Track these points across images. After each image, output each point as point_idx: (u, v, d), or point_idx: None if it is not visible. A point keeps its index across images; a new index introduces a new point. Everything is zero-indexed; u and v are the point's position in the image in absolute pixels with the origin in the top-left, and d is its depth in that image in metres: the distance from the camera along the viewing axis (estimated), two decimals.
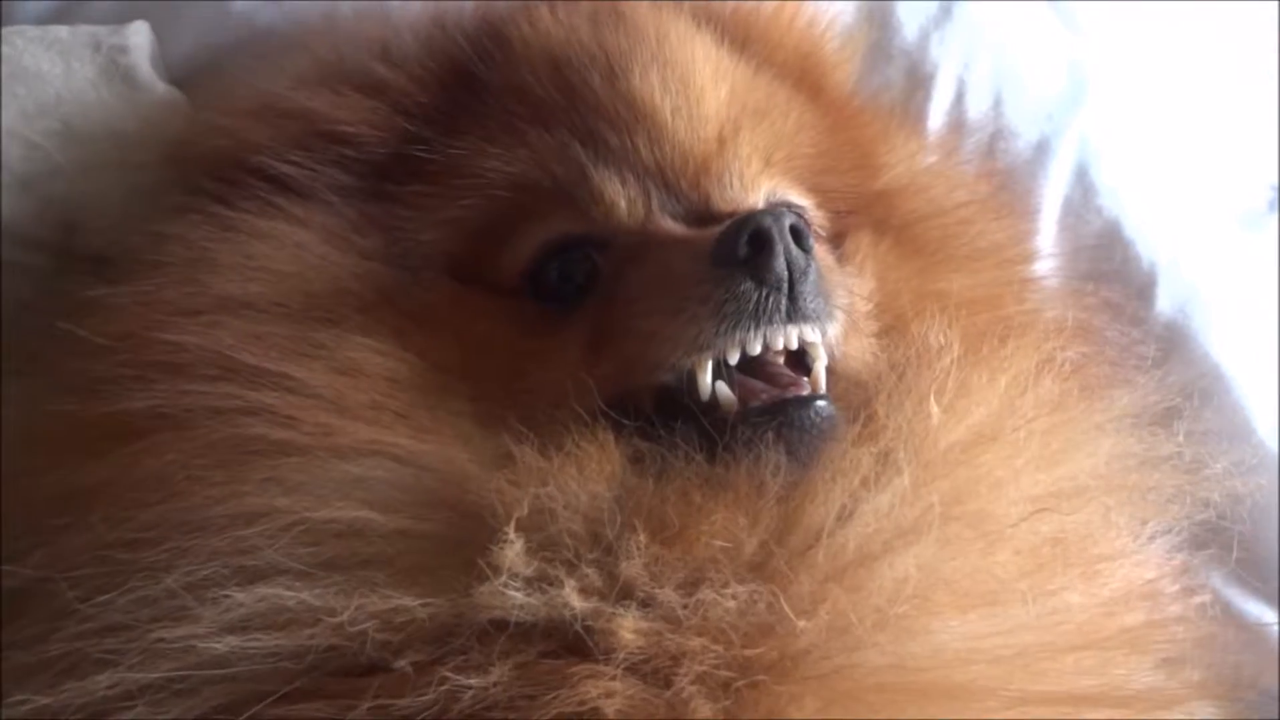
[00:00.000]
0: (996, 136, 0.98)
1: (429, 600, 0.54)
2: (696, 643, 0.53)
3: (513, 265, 0.69)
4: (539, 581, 0.54)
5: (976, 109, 0.98)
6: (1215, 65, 1.19)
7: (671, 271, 0.64)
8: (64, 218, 0.79)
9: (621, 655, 0.53)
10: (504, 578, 0.54)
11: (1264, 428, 0.93)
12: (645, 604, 0.55)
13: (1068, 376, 0.71)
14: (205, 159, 0.74)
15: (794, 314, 0.62)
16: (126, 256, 0.73)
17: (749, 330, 0.61)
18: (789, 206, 0.71)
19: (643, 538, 0.56)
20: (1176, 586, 0.71)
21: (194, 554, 0.56)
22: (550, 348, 0.66)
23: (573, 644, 0.54)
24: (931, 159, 0.90)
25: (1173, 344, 0.94)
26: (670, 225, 0.69)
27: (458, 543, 0.56)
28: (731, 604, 0.54)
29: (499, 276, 0.70)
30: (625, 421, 0.61)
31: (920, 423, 0.62)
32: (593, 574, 0.55)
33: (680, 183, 0.70)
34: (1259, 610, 0.87)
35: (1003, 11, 1.03)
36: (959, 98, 0.98)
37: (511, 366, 0.66)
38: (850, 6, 0.97)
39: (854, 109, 0.87)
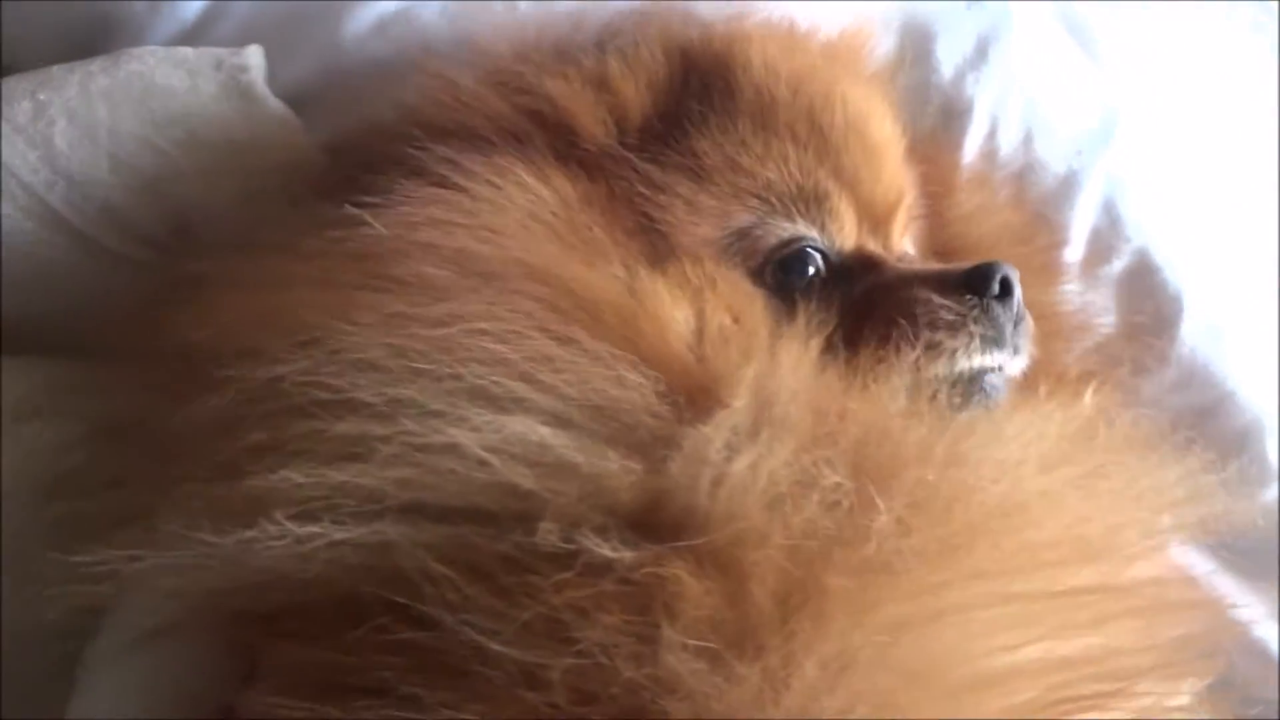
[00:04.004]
0: (1027, 169, 1.02)
1: (632, 468, 0.57)
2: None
3: (755, 252, 0.78)
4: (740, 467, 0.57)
5: (1008, 143, 1.03)
6: (1248, 108, 1.22)
7: (937, 293, 0.76)
8: (179, 218, 0.87)
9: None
10: (710, 447, 0.57)
11: (1275, 452, 0.97)
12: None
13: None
14: (432, 123, 0.78)
15: (1017, 347, 0.77)
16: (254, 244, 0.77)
17: (995, 351, 0.76)
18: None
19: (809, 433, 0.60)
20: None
21: (479, 358, 0.59)
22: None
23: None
24: (977, 199, 0.98)
25: (1194, 369, 0.99)
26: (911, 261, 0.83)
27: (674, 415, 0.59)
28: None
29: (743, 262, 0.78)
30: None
31: None
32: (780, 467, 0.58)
33: (880, 222, 0.83)
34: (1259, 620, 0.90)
35: (1035, 54, 1.08)
36: (992, 133, 1.03)
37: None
38: (891, 44, 1.03)
39: (934, 167, 0.96)
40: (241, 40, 0.94)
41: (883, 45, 1.01)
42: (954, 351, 0.75)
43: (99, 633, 0.70)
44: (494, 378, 0.59)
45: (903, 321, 0.75)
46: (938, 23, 1.08)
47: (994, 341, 0.76)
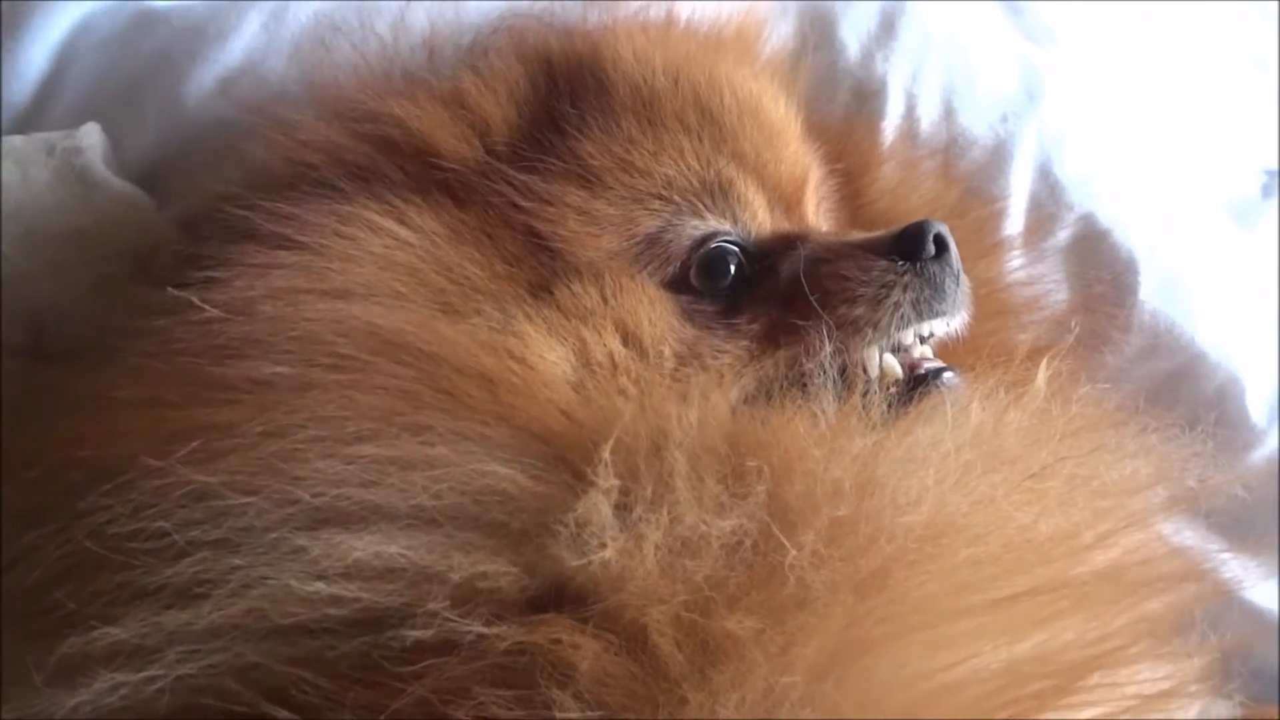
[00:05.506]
0: (952, 143, 0.96)
1: (506, 570, 0.53)
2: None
3: (669, 258, 0.73)
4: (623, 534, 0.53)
5: (928, 118, 0.97)
6: (1191, 55, 1.17)
7: (857, 264, 0.72)
8: (32, 320, 0.79)
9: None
10: (587, 531, 0.52)
11: (1257, 409, 0.91)
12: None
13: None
14: (269, 173, 0.74)
15: (959, 304, 0.74)
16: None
17: (936, 313, 0.72)
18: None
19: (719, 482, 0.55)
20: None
21: (319, 473, 0.54)
22: (717, 344, 0.70)
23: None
24: (901, 173, 0.92)
25: (1157, 332, 0.93)
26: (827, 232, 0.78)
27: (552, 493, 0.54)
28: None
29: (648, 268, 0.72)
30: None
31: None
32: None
33: (791, 203, 0.79)
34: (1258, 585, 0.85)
35: (947, 21, 1.02)
36: (909, 110, 0.97)
37: (679, 352, 0.69)
38: (791, 31, 0.97)
39: (847, 144, 0.91)
40: (83, 117, 0.87)
41: (779, 32, 0.95)
42: (876, 325, 0.70)
43: None
44: (336, 492, 0.53)
45: (820, 307, 0.70)
46: (838, 2, 1.01)
47: (932, 302, 0.72)
